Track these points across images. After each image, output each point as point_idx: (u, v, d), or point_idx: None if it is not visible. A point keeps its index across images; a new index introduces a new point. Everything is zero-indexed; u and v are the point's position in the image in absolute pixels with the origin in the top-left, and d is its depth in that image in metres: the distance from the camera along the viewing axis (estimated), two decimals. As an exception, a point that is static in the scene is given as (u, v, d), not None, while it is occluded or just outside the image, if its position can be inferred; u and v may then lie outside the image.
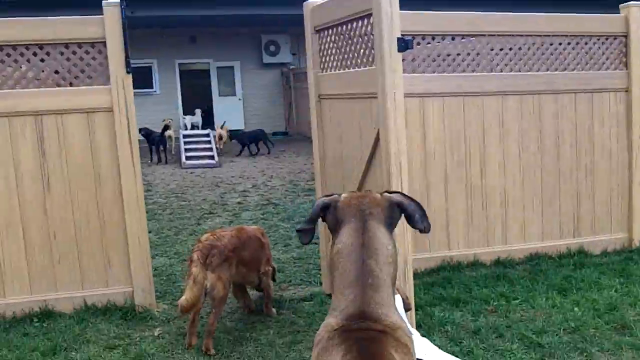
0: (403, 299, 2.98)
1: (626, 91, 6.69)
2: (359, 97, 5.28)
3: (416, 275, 5.77)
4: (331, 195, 2.35)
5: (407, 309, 3.00)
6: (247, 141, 17.42)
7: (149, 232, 7.27)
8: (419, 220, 2.31)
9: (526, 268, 6.20)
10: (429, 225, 2.31)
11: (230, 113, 21.80)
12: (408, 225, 4.78)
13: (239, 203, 10.29)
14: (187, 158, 15.63)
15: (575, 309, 5.17)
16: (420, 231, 2.35)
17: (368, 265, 2.15)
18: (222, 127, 18.25)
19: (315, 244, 6.31)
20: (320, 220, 2.35)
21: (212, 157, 15.82)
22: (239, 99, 23.46)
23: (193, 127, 20.84)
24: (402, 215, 2.31)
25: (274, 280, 5.58)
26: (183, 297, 4.62)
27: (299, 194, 10.76)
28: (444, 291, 5.57)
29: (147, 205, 8.06)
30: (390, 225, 2.29)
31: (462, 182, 6.27)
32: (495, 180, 6.36)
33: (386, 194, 2.36)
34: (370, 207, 2.26)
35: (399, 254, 4.70)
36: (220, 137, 17.64)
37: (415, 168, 6.02)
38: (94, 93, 5.40)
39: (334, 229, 2.27)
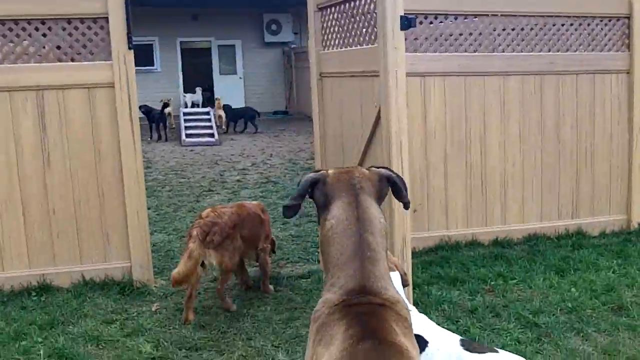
0: (401, 275, 2.99)
1: (628, 73, 6.65)
2: (361, 75, 5.26)
3: (414, 254, 5.78)
4: (319, 171, 2.34)
5: (405, 285, 3.01)
6: (232, 117, 17.48)
7: (148, 208, 7.28)
8: (405, 195, 2.36)
9: (524, 248, 6.21)
10: (409, 201, 2.41)
11: (231, 92, 21.72)
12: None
13: (238, 181, 10.28)
14: (187, 136, 15.60)
15: (573, 289, 5.19)
16: (406, 205, 2.40)
17: (365, 239, 2.13)
18: (217, 100, 18.37)
19: (314, 222, 6.32)
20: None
21: (212, 135, 15.79)
22: (240, 78, 23.36)
23: (194, 105, 20.77)
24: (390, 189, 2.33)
25: (273, 252, 5.59)
26: (175, 270, 4.66)
27: (298, 173, 10.74)
28: (441, 270, 5.58)
29: (146, 182, 8.05)
30: (380, 199, 2.28)
31: (462, 162, 6.25)
32: (495, 160, 6.35)
33: (374, 168, 2.35)
34: (360, 181, 2.24)
35: (399, 233, 4.72)
36: (220, 117, 17.63)
37: (416, 147, 6.00)
38: (95, 69, 5.37)
39: (323, 205, 2.24)
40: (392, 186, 2.32)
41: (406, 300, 2.84)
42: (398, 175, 2.36)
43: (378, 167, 2.37)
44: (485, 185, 6.34)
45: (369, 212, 2.18)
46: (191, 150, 14.24)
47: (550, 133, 6.50)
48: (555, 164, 6.54)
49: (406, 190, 2.37)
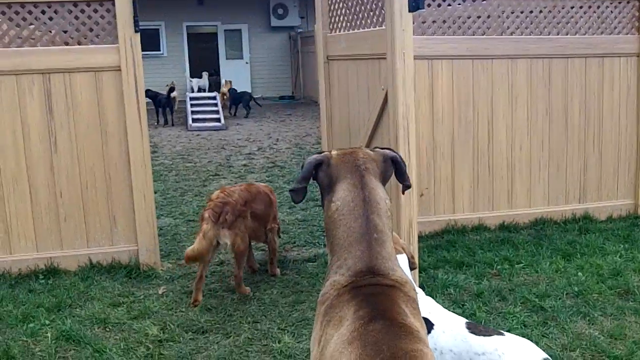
0: (409, 258, 2.98)
1: (638, 56, 6.59)
2: (368, 57, 5.23)
3: (420, 238, 5.78)
4: (322, 152, 2.32)
5: (412, 268, 3.00)
6: (233, 101, 17.69)
7: (155, 192, 7.29)
8: (407, 177, 2.36)
9: (531, 233, 6.19)
10: (410, 183, 2.41)
11: (237, 76, 21.66)
12: (414, 186, 4.76)
13: (244, 165, 10.28)
14: (194, 120, 15.58)
15: (579, 273, 5.17)
16: (407, 187, 2.39)
17: (372, 221, 2.12)
18: (225, 84, 18.47)
19: (320, 206, 6.31)
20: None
21: (218, 120, 15.77)
22: (246, 63, 23.30)
23: (200, 90, 20.74)
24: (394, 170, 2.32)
25: (279, 236, 5.60)
26: (189, 247, 4.69)
27: (304, 157, 10.73)
28: (447, 254, 5.58)
29: (152, 167, 8.05)
30: (384, 180, 2.27)
31: (469, 146, 6.22)
32: (502, 144, 6.31)
33: (378, 149, 2.34)
34: (365, 162, 2.23)
35: (405, 216, 4.71)
36: (224, 95, 17.86)
37: (423, 131, 5.97)
38: (101, 52, 5.36)
39: (328, 187, 2.23)
40: (395, 167, 2.31)
41: (413, 283, 2.84)
42: (401, 157, 2.34)
43: (382, 148, 2.35)
44: (492, 170, 6.32)
45: (374, 193, 2.17)
46: (197, 135, 14.24)
47: (558, 117, 6.46)
48: (562, 148, 6.50)
49: (407, 173, 2.37)
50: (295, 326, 4.38)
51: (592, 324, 4.35)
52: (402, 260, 2.87)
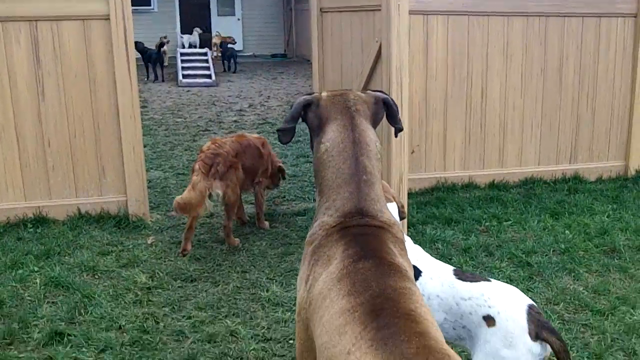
0: (398, 207, 2.98)
1: (635, 17, 6.53)
2: (362, 9, 5.16)
3: (410, 194, 5.79)
4: (312, 93, 2.29)
5: (401, 217, 3.00)
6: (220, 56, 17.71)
7: (144, 146, 7.24)
8: (400, 120, 2.34)
9: (520, 191, 6.21)
10: (402, 126, 2.39)
11: (228, 33, 21.37)
12: (405, 142, 4.76)
13: (235, 121, 10.22)
14: (184, 76, 15.42)
15: (567, 231, 5.21)
16: (398, 130, 2.37)
17: (361, 162, 2.11)
18: (217, 37, 18.39)
19: (311, 162, 6.30)
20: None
21: (209, 77, 15.61)
22: (238, 19, 22.97)
23: (191, 46, 20.46)
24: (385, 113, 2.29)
25: (283, 178, 5.62)
26: (179, 196, 4.69)
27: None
28: (436, 210, 5.60)
29: (142, 122, 7.96)
30: (375, 123, 2.25)
31: (462, 103, 6.19)
32: (495, 102, 6.29)
33: (369, 91, 2.31)
34: (356, 103, 2.20)
35: (396, 171, 4.70)
36: (215, 44, 17.80)
37: (416, 87, 5.93)
38: (90, 0, 5.24)
39: (317, 128, 2.21)
40: (386, 109, 2.28)
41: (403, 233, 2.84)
42: (393, 100, 2.31)
43: (374, 91, 2.32)
44: (484, 128, 6.30)
45: (364, 135, 2.15)
46: (188, 91, 14.11)
47: (553, 76, 6.42)
48: (555, 108, 6.49)
49: (398, 116, 2.35)
50: (284, 276, 4.41)
51: (577, 280, 4.39)
52: (392, 208, 2.87)
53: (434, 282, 2.63)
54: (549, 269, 4.51)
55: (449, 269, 2.70)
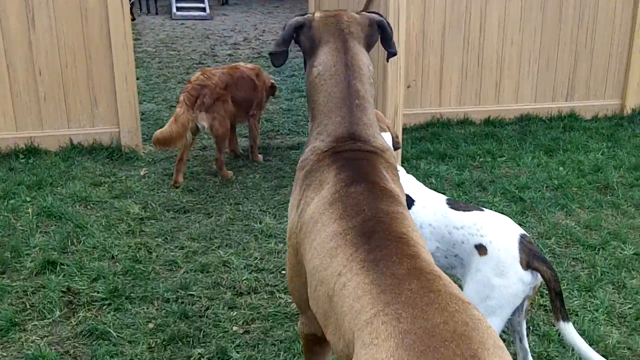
0: (393, 137, 2.94)
1: (639, -50, 6.36)
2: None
3: (405, 130, 5.75)
4: (304, 14, 2.21)
5: (396, 147, 2.97)
6: None
7: (137, 79, 7.14)
8: (394, 44, 2.28)
9: (515, 128, 6.18)
10: (396, 51, 2.33)
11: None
12: (401, 76, 4.69)
13: (229, 55, 10.05)
14: (178, 9, 15.05)
15: (560, 168, 5.21)
16: (391, 55, 2.31)
17: (354, 86, 2.06)
18: None
19: (305, 97, 6.22)
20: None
21: (203, 9, 15.25)
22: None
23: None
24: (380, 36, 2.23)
25: (272, 96, 5.54)
26: (159, 130, 4.62)
27: (291, 49, 10.49)
28: (431, 146, 5.57)
29: (135, 54, 7.81)
30: (369, 46, 2.18)
31: (459, 38, 6.08)
32: (493, 38, 6.18)
33: (364, 12, 2.23)
34: (349, 25, 2.13)
35: (391, 103, 4.65)
36: None
37: (414, 18, 5.81)
38: None
39: (310, 51, 2.14)
40: (381, 32, 2.22)
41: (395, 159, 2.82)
42: (388, 22, 2.24)
43: (369, 12, 2.25)
44: (481, 63, 6.21)
45: (357, 58, 2.09)
46: (182, 24, 13.80)
47: (553, 11, 6.29)
48: (554, 45, 6.38)
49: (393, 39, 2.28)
50: (277, 208, 4.41)
51: (569, 215, 4.41)
52: (386, 138, 2.84)
53: (427, 211, 2.62)
54: (542, 204, 4.52)
55: (442, 198, 2.68)
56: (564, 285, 3.51)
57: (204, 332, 3.11)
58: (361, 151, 2.00)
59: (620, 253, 3.89)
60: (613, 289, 3.53)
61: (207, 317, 3.24)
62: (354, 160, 1.96)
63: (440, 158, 5.34)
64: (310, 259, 1.81)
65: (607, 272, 3.67)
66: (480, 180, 4.91)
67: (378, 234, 1.68)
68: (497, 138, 5.84)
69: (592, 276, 3.62)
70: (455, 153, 5.44)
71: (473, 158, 5.37)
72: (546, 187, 4.85)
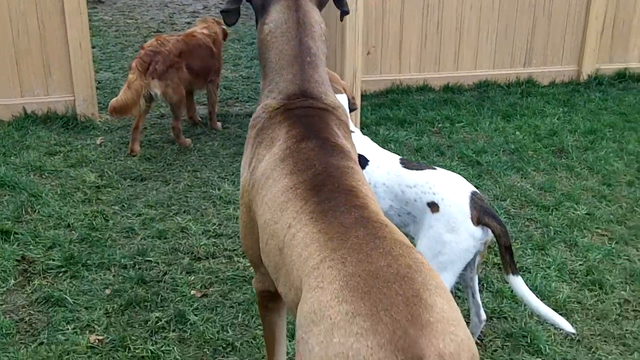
0: (349, 98, 2.94)
1: None
2: None
3: (365, 96, 5.76)
4: None
5: (352, 108, 2.97)
6: None
7: (94, 47, 6.98)
8: (346, 3, 2.28)
9: (474, 94, 6.22)
10: (349, 9, 2.33)
11: None
12: (360, 41, 4.67)
13: (188, 24, 9.86)
14: (136, -22, 14.73)
15: (517, 132, 5.28)
16: (345, 14, 2.31)
17: (305, 44, 2.04)
18: None
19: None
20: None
21: (162, -22, 14.94)
22: None
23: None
24: None
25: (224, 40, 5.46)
26: (114, 99, 4.56)
27: (251, 17, 10.36)
28: (390, 112, 5.58)
29: (91, 22, 7.65)
30: (321, 5, 2.18)
31: (419, 3, 6.06)
32: (452, 3, 6.17)
33: None
34: None
35: (349, 67, 4.64)
36: None
37: (372, -15, 5.78)
38: None
39: (261, 8, 2.13)
40: None
41: (351, 122, 2.83)
42: None
43: None
44: (440, 29, 6.22)
45: (309, 15, 2.08)
46: (140, -7, 13.52)
47: (511, -25, 6.31)
48: (512, 10, 6.40)
49: None
50: (235, 175, 4.39)
51: (525, 178, 4.49)
52: (342, 100, 2.84)
53: (381, 171, 2.64)
54: (498, 167, 4.59)
55: (396, 158, 2.71)
56: (517, 245, 3.59)
57: (161, 296, 3.11)
58: (312, 108, 2.00)
59: (573, 213, 3.98)
60: (565, 247, 3.61)
61: (164, 282, 3.23)
62: (306, 117, 1.96)
63: (400, 124, 5.36)
64: (262, 214, 1.82)
65: (560, 232, 3.76)
66: (438, 145, 4.95)
67: (327, 187, 1.69)
68: (455, 104, 5.89)
69: (545, 235, 3.70)
70: (414, 119, 5.47)
71: (432, 124, 5.41)
72: (503, 151, 4.92)
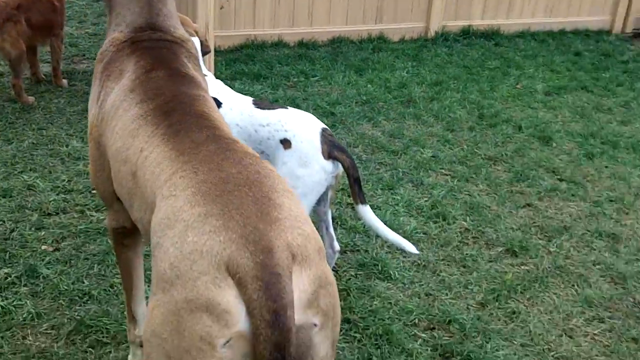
0: (202, 41, 2.91)
1: None
2: None
3: (219, 52, 5.71)
4: None
5: (205, 52, 2.95)
6: None
7: None
8: None
9: (328, 50, 6.34)
10: None
11: None
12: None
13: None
14: None
15: (369, 85, 5.47)
16: None
17: None
18: None
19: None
20: None
21: None
22: None
23: None
24: None
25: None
26: None
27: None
28: (245, 67, 5.58)
29: None
30: None
31: (270, -41, 6.06)
32: (303, -40, 6.22)
33: None
34: None
35: (201, 20, 4.56)
36: None
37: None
38: None
39: None
40: None
41: (204, 66, 2.81)
42: None
43: None
44: (293, -15, 6.25)
45: None
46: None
47: None
48: (362, -33, 6.56)
49: None
50: (84, 132, 4.21)
51: (376, 127, 4.69)
52: (195, 43, 2.80)
53: (234, 112, 2.65)
54: (351, 117, 4.75)
55: (249, 99, 2.73)
56: (369, 186, 3.76)
57: (10, 253, 2.96)
58: (161, 40, 1.99)
59: (420, 156, 4.22)
60: (412, 186, 3.84)
61: (12, 239, 3.07)
62: (154, 48, 1.96)
63: (255, 78, 5.38)
64: (113, 144, 1.79)
65: (408, 173, 3.98)
66: (294, 97, 5.03)
67: (178, 112, 1.70)
68: (310, 59, 5.98)
69: (394, 177, 3.91)
70: (269, 74, 5.51)
71: (287, 78, 5.47)
72: (355, 102, 5.09)
